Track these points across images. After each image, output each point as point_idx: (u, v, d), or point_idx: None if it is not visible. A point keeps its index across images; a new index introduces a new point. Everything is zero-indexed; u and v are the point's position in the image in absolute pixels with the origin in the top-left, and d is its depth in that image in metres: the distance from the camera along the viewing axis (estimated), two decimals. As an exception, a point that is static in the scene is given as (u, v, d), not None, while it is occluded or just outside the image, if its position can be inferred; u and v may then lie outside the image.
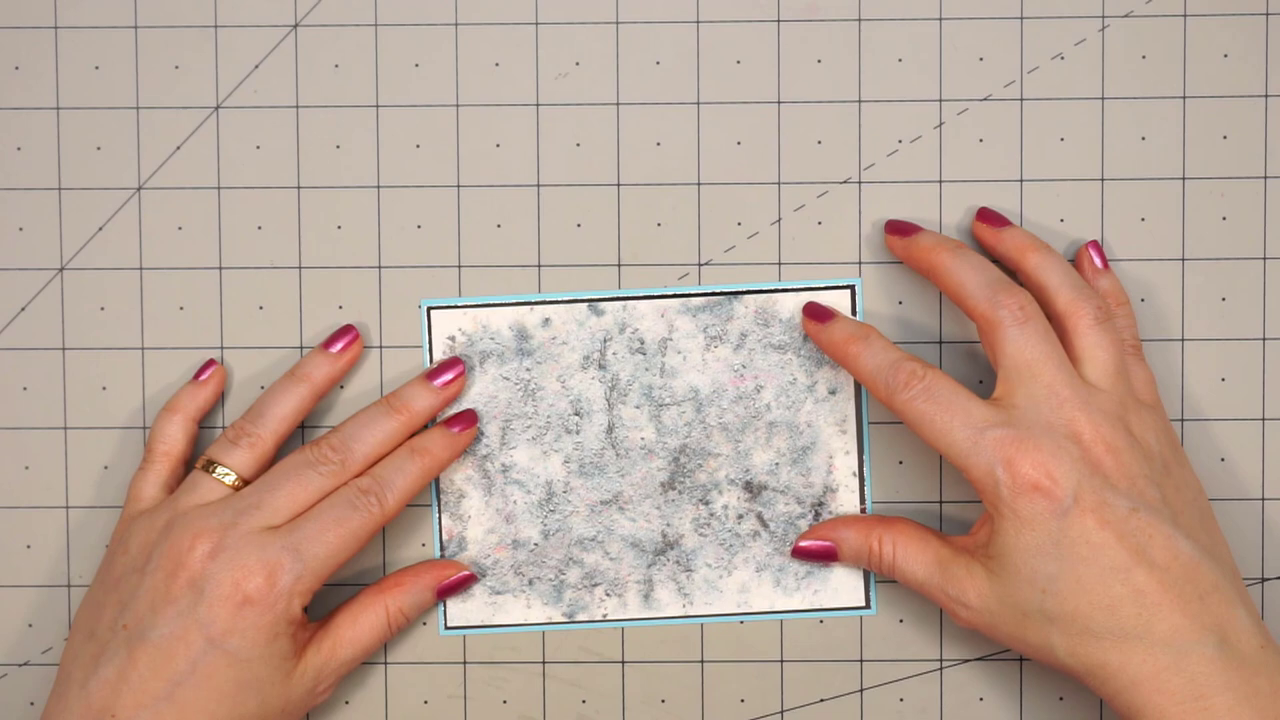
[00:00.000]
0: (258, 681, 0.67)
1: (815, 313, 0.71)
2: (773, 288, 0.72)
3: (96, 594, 0.69)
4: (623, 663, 0.73)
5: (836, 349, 0.69)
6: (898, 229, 0.71)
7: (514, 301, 0.73)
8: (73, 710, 0.66)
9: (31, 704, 0.74)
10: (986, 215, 0.72)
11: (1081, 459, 0.64)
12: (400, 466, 0.69)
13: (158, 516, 0.69)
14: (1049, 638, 0.65)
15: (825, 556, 0.72)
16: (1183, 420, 0.73)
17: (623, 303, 0.72)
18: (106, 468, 0.73)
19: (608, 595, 0.73)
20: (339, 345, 0.72)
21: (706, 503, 0.73)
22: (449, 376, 0.71)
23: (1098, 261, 0.72)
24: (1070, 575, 0.64)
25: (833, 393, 0.72)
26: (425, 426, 0.71)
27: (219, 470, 0.69)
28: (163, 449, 0.71)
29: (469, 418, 0.71)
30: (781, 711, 0.73)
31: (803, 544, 0.72)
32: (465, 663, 0.73)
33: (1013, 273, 0.71)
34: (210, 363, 0.72)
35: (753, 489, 0.73)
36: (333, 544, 0.67)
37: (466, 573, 0.72)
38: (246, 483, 0.70)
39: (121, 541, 0.69)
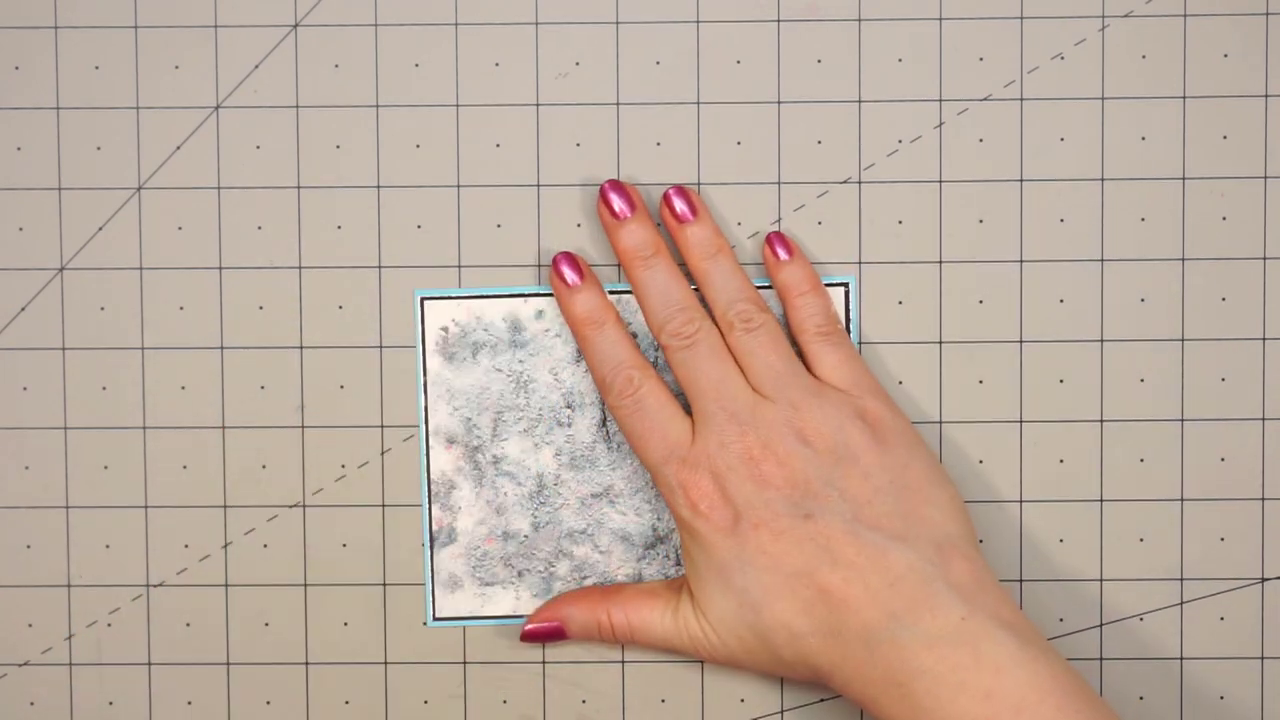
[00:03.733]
0: None
1: (568, 262, 0.71)
2: (768, 284, 0.72)
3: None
4: (623, 663, 0.73)
5: (570, 323, 0.71)
6: (609, 209, 0.71)
7: (508, 293, 0.73)
8: None
9: (32, 704, 0.74)
10: (671, 199, 0.72)
11: (749, 478, 0.67)
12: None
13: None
14: (773, 650, 0.67)
15: (553, 636, 0.72)
16: (1183, 420, 0.73)
17: (617, 297, 0.72)
18: (106, 468, 0.73)
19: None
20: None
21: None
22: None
23: (781, 253, 0.71)
24: (759, 585, 0.66)
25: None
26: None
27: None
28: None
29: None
30: (781, 711, 0.73)
31: (529, 627, 0.72)
32: (465, 662, 0.73)
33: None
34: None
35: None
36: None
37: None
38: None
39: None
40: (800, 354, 0.70)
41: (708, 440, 0.67)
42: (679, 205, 0.71)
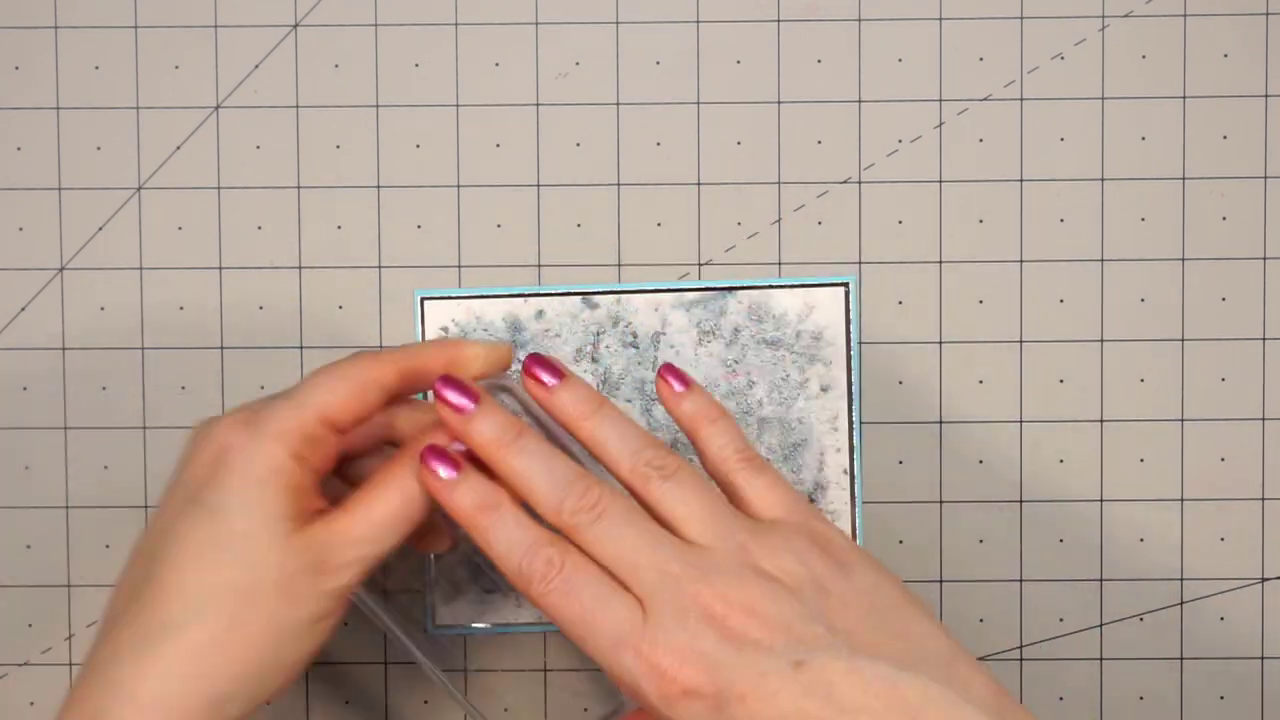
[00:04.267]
0: (233, 538, 0.58)
1: (436, 455, 0.61)
2: (766, 284, 0.72)
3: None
4: (622, 663, 0.73)
5: (457, 516, 0.60)
6: (449, 399, 0.61)
7: (508, 293, 0.73)
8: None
9: (32, 704, 0.74)
10: (531, 368, 0.63)
11: (722, 639, 0.57)
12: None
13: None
14: None
15: None
16: (1183, 420, 0.73)
17: (616, 296, 0.72)
18: (106, 468, 0.74)
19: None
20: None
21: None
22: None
23: (676, 386, 0.64)
24: None
25: (825, 390, 0.72)
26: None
27: None
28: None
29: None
30: (781, 712, 0.73)
31: None
32: (466, 670, 0.73)
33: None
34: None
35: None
36: (336, 386, 0.60)
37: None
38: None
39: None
40: (725, 492, 0.63)
41: (661, 614, 0.57)
42: (542, 374, 0.63)
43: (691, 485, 0.60)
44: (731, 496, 0.62)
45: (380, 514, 0.60)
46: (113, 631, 0.58)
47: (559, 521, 0.59)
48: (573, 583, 0.58)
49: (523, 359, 0.63)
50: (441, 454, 0.60)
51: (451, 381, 0.61)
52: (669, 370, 0.64)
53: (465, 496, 0.60)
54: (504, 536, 0.59)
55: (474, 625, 0.73)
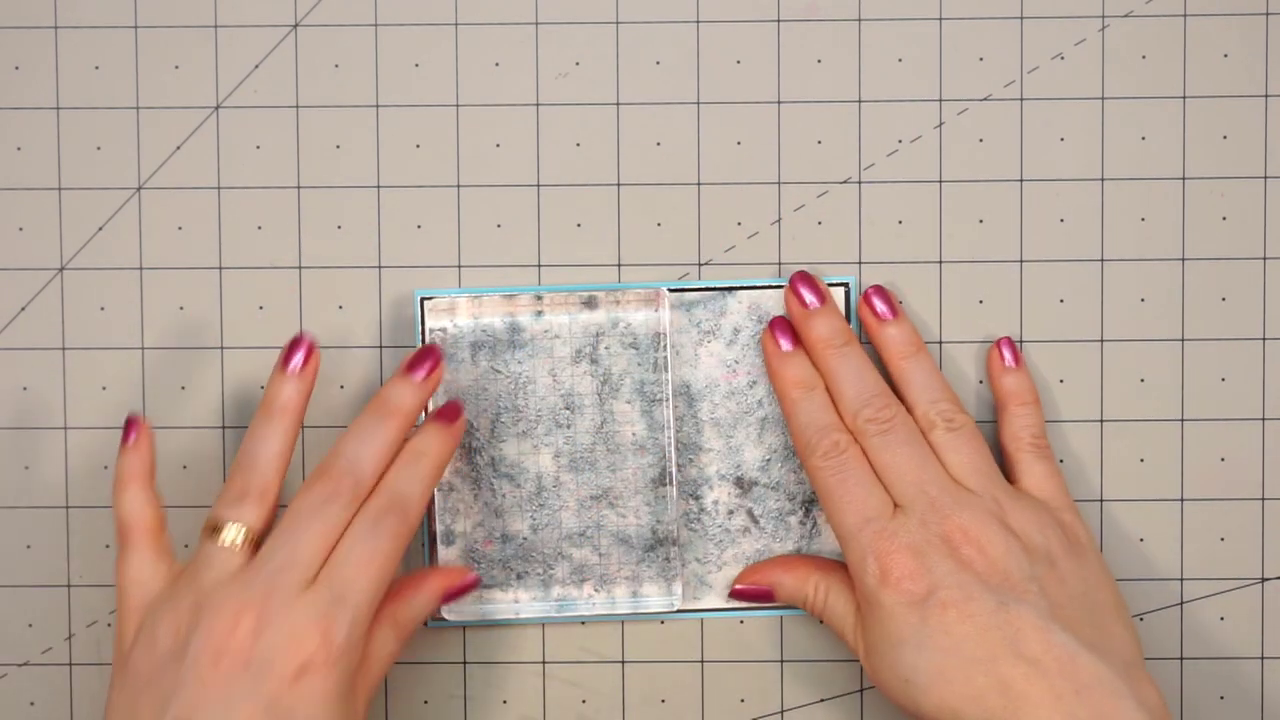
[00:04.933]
0: None
1: (781, 329, 0.71)
2: (766, 284, 0.72)
3: (124, 695, 0.64)
4: (623, 662, 0.73)
5: (779, 384, 0.71)
6: (800, 295, 0.71)
7: (508, 293, 0.72)
8: None
9: (32, 704, 0.74)
10: (871, 299, 0.72)
11: (949, 556, 0.65)
12: (410, 475, 0.67)
13: (179, 600, 0.64)
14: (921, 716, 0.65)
15: (761, 598, 0.72)
16: (1183, 420, 0.73)
17: (616, 297, 0.72)
18: (106, 468, 0.73)
19: (596, 590, 0.73)
20: (297, 361, 0.68)
21: (697, 498, 0.73)
22: (427, 368, 0.69)
23: (1008, 359, 0.72)
24: (932, 666, 0.64)
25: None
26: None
27: (231, 529, 0.65)
28: (139, 526, 0.67)
29: (454, 409, 0.69)
30: (781, 711, 0.73)
31: (739, 587, 0.72)
32: (465, 662, 0.73)
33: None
34: (131, 423, 0.68)
35: (744, 485, 0.73)
36: (374, 578, 0.64)
37: (472, 577, 0.71)
38: (261, 534, 0.66)
39: (144, 633, 0.64)
40: (1004, 462, 0.71)
41: (909, 516, 0.67)
42: (879, 305, 0.71)
43: (971, 440, 0.69)
44: (1010, 471, 0.71)
45: (380, 654, 0.67)
46: None
47: (853, 423, 0.69)
48: (847, 467, 0.68)
49: (864, 292, 0.72)
50: (786, 328, 0.71)
51: (806, 279, 0.71)
52: (1006, 344, 0.72)
53: (791, 368, 0.70)
54: (808, 410, 0.69)
55: (474, 620, 0.73)
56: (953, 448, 0.68)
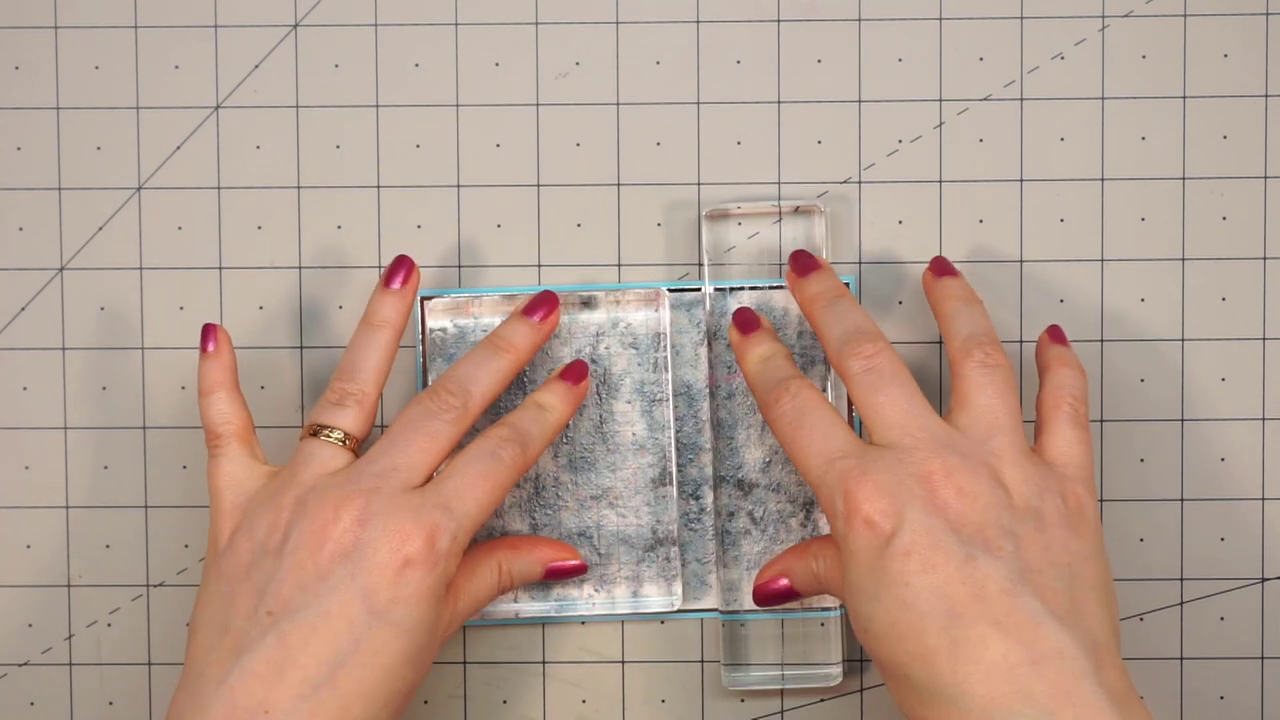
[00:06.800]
0: (418, 652, 0.63)
1: (742, 323, 0.69)
2: (766, 284, 0.72)
3: (220, 586, 0.63)
4: (623, 662, 0.73)
5: (743, 364, 0.69)
6: (798, 266, 0.70)
7: (508, 293, 0.72)
8: (212, 711, 0.60)
9: (32, 704, 0.74)
10: (939, 260, 0.70)
11: (923, 499, 0.61)
12: (533, 419, 0.67)
13: (281, 494, 0.64)
14: (885, 676, 0.62)
15: (783, 594, 0.69)
16: (1183, 420, 0.73)
17: (616, 297, 0.72)
18: (106, 468, 0.73)
19: (596, 590, 0.73)
20: (399, 281, 0.68)
21: (697, 498, 0.73)
22: (544, 311, 0.69)
23: (1061, 337, 0.69)
24: (885, 619, 0.60)
25: (825, 390, 0.72)
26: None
27: (332, 434, 0.65)
28: (228, 429, 0.67)
29: (580, 369, 0.69)
30: (781, 712, 0.73)
31: (759, 584, 0.70)
32: (465, 662, 0.73)
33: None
34: (208, 330, 0.68)
35: (744, 486, 0.72)
36: (482, 499, 0.64)
37: (580, 563, 0.71)
38: (359, 442, 0.66)
39: (242, 530, 0.64)
40: (1035, 427, 0.67)
41: (884, 453, 0.62)
42: (944, 269, 0.69)
43: (1002, 384, 0.64)
44: (1038, 432, 0.66)
45: (477, 590, 0.68)
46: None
47: (838, 363, 0.65)
48: (804, 409, 0.65)
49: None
50: (747, 316, 0.69)
51: (803, 254, 0.69)
52: (1056, 330, 0.69)
53: (754, 348, 0.68)
54: (765, 373, 0.67)
55: (475, 620, 0.73)
56: (981, 385, 0.64)
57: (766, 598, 0.69)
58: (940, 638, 0.59)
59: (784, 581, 0.69)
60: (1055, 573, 0.60)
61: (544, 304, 0.69)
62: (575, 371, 0.69)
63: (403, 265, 0.69)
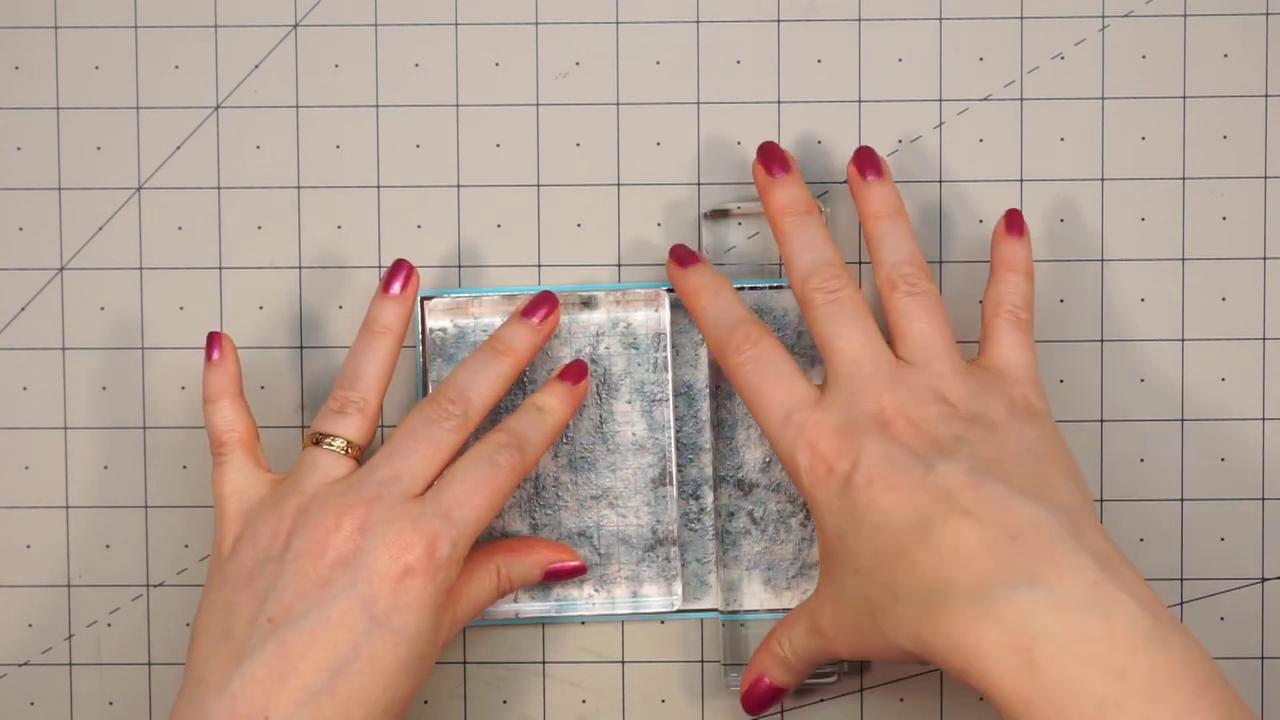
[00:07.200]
0: (418, 659, 0.63)
1: (680, 256, 0.69)
2: (766, 284, 0.72)
3: (222, 594, 0.64)
4: (623, 662, 0.73)
5: (686, 296, 0.69)
6: (768, 168, 0.69)
7: (508, 293, 0.72)
8: (213, 717, 0.61)
9: (32, 704, 0.74)
10: (860, 156, 0.69)
11: (878, 434, 0.63)
12: (532, 423, 0.67)
13: (283, 502, 0.65)
14: (879, 626, 0.62)
15: (773, 694, 0.69)
16: (1183, 420, 0.73)
17: (616, 297, 0.72)
18: (106, 468, 0.73)
19: (596, 590, 0.73)
20: (398, 286, 0.68)
21: (697, 498, 0.73)
22: (543, 312, 0.69)
23: (1015, 231, 0.69)
24: (870, 547, 0.62)
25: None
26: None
27: (334, 442, 0.66)
28: (232, 437, 0.67)
29: (580, 369, 0.69)
30: (781, 712, 0.73)
31: (744, 693, 0.69)
32: (465, 662, 0.73)
33: None
34: (213, 338, 0.68)
35: (744, 486, 0.72)
36: (481, 505, 0.65)
37: (579, 564, 0.71)
38: (362, 450, 0.67)
39: (245, 537, 0.65)
40: (980, 331, 0.68)
41: (837, 396, 0.64)
42: (866, 163, 0.68)
43: (929, 308, 0.66)
44: (982, 339, 0.68)
45: (476, 594, 0.68)
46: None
47: (801, 291, 0.66)
48: (763, 358, 0.66)
49: (855, 151, 0.69)
50: (684, 253, 0.69)
51: (774, 148, 0.69)
52: (1016, 214, 0.69)
53: (692, 278, 0.68)
54: (714, 308, 0.67)
55: (475, 620, 0.73)
56: (908, 313, 0.66)
57: (756, 704, 0.69)
58: (920, 546, 0.60)
59: (766, 681, 0.69)
60: (1015, 460, 0.62)
61: (543, 305, 0.69)
62: (574, 372, 0.70)
63: (401, 269, 0.69)
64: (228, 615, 0.63)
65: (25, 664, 0.74)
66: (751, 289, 0.72)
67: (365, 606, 0.62)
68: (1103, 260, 0.73)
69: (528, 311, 0.69)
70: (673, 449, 0.72)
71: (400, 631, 0.63)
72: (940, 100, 0.73)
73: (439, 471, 0.65)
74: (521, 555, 0.70)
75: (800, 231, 0.67)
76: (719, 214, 0.72)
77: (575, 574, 0.71)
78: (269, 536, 0.64)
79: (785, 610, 0.73)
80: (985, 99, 0.73)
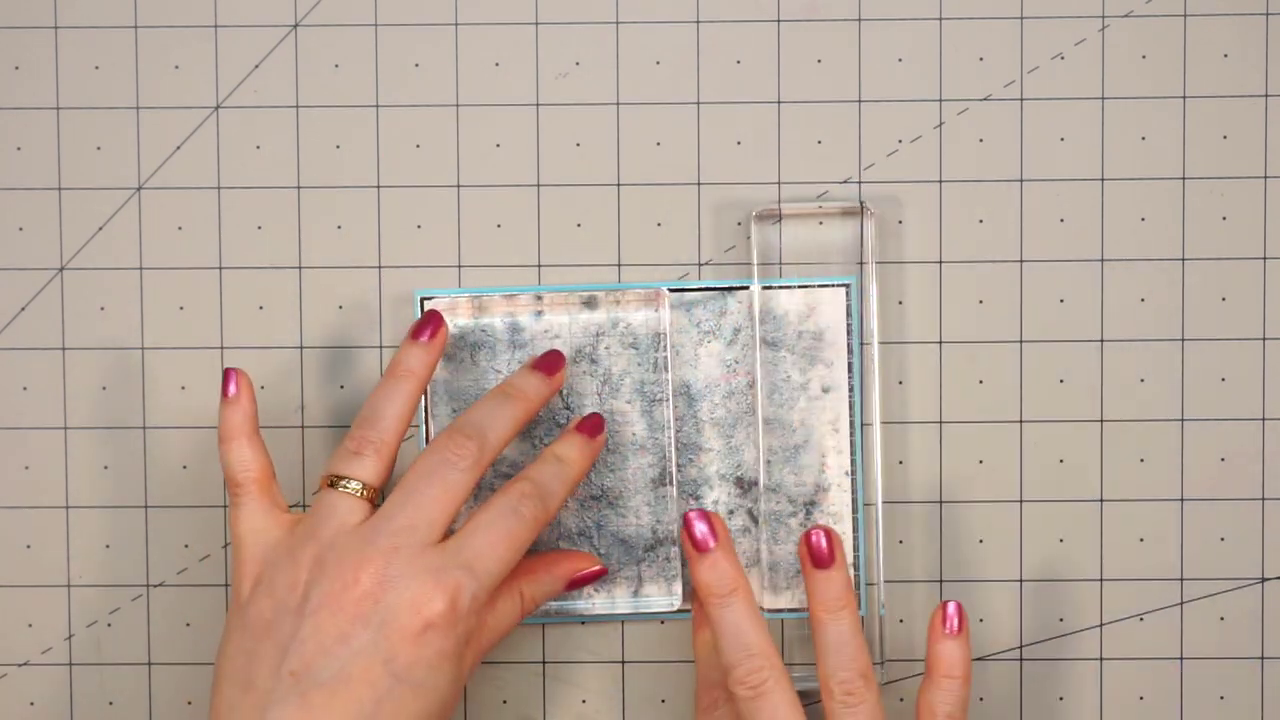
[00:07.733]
0: (440, 707, 0.64)
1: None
2: (766, 284, 0.72)
3: (243, 642, 0.64)
4: (623, 662, 0.73)
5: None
6: (694, 542, 0.68)
7: (508, 293, 0.72)
8: None
9: (32, 704, 0.74)
10: (814, 550, 0.69)
11: None
12: (552, 474, 0.68)
13: (299, 551, 0.65)
14: None
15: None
16: (1183, 420, 0.73)
17: (616, 297, 0.72)
18: (106, 468, 0.73)
19: (596, 590, 0.73)
20: (426, 335, 0.69)
21: (697, 498, 0.73)
22: (552, 368, 0.70)
23: (951, 624, 0.68)
24: None
25: (826, 391, 0.72)
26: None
27: (349, 485, 0.66)
28: (248, 477, 0.67)
29: (597, 423, 0.70)
30: (781, 712, 0.73)
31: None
32: (465, 663, 0.73)
33: None
34: (229, 375, 0.68)
35: (743, 485, 0.73)
36: (505, 557, 0.65)
37: (600, 568, 0.72)
38: (378, 491, 0.67)
39: (263, 585, 0.65)
40: None
41: None
42: (818, 545, 0.68)
43: (857, 717, 0.66)
44: None
45: (500, 621, 0.68)
46: None
47: (728, 679, 0.66)
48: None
49: (805, 533, 0.69)
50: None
51: (704, 515, 0.68)
52: (955, 608, 0.68)
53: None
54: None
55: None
56: None
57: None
58: None
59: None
60: None
61: (553, 362, 0.70)
62: (592, 425, 0.70)
63: (431, 320, 0.69)
64: (250, 664, 0.64)
65: (25, 664, 0.74)
66: (801, 288, 0.72)
67: (386, 663, 0.63)
68: (1103, 260, 0.73)
69: (539, 365, 0.70)
70: (673, 449, 0.72)
71: (421, 684, 0.63)
72: (940, 100, 0.73)
73: (453, 515, 0.66)
74: (542, 573, 0.70)
75: (726, 615, 0.67)
76: (767, 214, 0.72)
77: (597, 578, 0.72)
78: (286, 587, 0.64)
79: (785, 610, 0.73)
80: (985, 99, 0.73)
